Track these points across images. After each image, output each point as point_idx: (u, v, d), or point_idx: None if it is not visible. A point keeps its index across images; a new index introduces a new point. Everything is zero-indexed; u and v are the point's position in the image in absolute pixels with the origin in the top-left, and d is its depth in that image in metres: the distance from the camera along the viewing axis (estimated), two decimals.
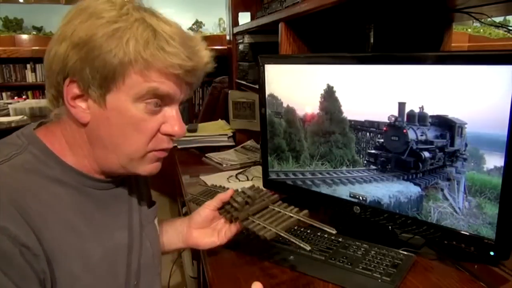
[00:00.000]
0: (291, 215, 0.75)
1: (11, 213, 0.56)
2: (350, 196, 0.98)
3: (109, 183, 0.73)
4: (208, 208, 0.87)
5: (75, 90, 0.62)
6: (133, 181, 0.82)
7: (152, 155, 0.68)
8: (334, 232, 0.70)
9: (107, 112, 0.63)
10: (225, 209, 0.86)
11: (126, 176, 0.79)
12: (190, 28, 5.21)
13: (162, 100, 0.65)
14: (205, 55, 0.67)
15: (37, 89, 4.62)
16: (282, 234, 0.70)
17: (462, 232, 0.80)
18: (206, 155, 1.79)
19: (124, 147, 0.66)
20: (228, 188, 1.00)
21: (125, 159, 0.67)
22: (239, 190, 0.86)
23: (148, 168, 0.69)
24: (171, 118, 0.66)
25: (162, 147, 0.68)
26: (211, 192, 1.04)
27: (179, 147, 1.90)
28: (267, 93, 1.13)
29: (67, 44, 0.61)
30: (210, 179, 1.47)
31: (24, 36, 4.65)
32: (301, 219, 0.72)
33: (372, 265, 0.83)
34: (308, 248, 0.68)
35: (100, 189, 0.72)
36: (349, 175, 0.98)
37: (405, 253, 0.86)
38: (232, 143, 1.96)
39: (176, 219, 0.94)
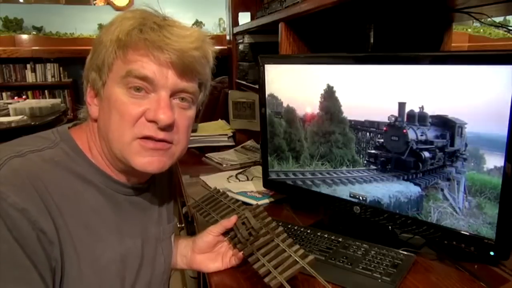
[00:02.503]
0: (297, 259, 0.72)
1: (34, 197, 0.58)
2: (350, 196, 0.98)
3: (132, 189, 0.75)
4: (211, 234, 0.86)
5: (91, 91, 0.71)
6: (158, 194, 0.83)
7: (137, 143, 0.67)
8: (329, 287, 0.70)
9: (103, 102, 0.68)
10: (229, 236, 0.85)
11: (153, 187, 0.80)
12: None
13: (146, 83, 0.65)
14: (191, 39, 0.66)
15: (37, 89, 4.63)
16: (287, 287, 0.69)
17: (462, 232, 0.80)
18: (206, 155, 1.79)
19: (111, 133, 0.67)
20: (227, 192, 1.01)
21: (116, 148, 0.68)
22: (243, 216, 0.85)
23: (140, 161, 0.68)
24: (155, 105, 0.66)
25: (146, 134, 0.67)
26: (214, 200, 1.03)
27: None
28: (267, 93, 1.13)
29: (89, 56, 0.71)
30: (210, 179, 1.46)
31: (24, 36, 4.65)
32: (306, 267, 0.71)
33: (372, 265, 0.83)
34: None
35: (122, 194, 0.73)
36: (349, 175, 0.98)
37: (405, 253, 0.86)
38: (232, 143, 1.96)
39: (180, 240, 0.94)
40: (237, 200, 0.98)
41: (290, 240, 0.78)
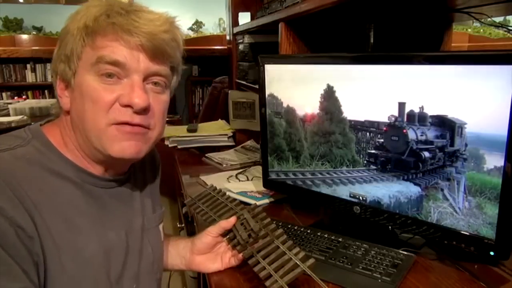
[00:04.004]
0: (298, 262, 0.72)
1: (8, 195, 0.58)
2: (350, 196, 0.98)
3: (111, 181, 0.74)
4: (210, 235, 0.85)
5: (60, 84, 0.69)
6: (139, 184, 0.82)
7: (113, 129, 0.66)
8: None
9: (75, 92, 0.67)
10: (228, 237, 0.85)
11: (133, 178, 0.80)
12: (190, 28, 5.19)
13: (118, 68, 0.64)
14: (158, 23, 0.66)
15: (37, 89, 4.62)
16: None
17: (462, 232, 0.80)
18: (206, 155, 1.79)
19: (86, 122, 0.66)
20: (226, 192, 1.00)
21: (93, 136, 0.66)
22: (242, 217, 0.84)
23: (116, 147, 0.67)
24: (128, 89, 0.65)
25: (121, 120, 0.66)
26: (210, 197, 1.02)
27: (179, 147, 1.90)
28: (267, 93, 1.13)
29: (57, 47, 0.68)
30: (210, 179, 1.46)
31: (24, 36, 4.64)
32: (307, 271, 0.70)
33: (372, 265, 0.83)
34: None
35: (101, 187, 0.72)
36: (349, 175, 0.98)
37: (405, 253, 0.86)
38: (232, 143, 1.96)
39: (179, 241, 0.94)
40: (235, 199, 0.98)
41: (290, 242, 0.77)
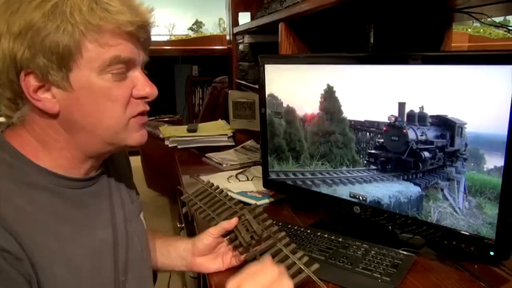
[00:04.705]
0: (302, 267, 0.71)
1: None
2: (350, 196, 0.98)
3: (85, 181, 0.71)
4: (211, 236, 0.84)
5: (33, 82, 0.60)
6: (114, 177, 0.80)
7: (133, 122, 0.68)
8: None
9: (75, 93, 0.62)
10: (229, 238, 0.84)
11: (106, 172, 0.78)
12: (190, 28, 5.20)
13: (126, 65, 0.64)
14: (146, 9, 0.66)
15: None
16: None
17: (462, 232, 0.80)
18: (206, 155, 1.79)
19: (105, 122, 0.65)
20: (222, 188, 0.99)
21: (110, 135, 0.66)
22: (244, 217, 0.84)
23: (136, 137, 0.69)
24: (139, 81, 0.67)
25: (140, 111, 0.68)
26: (208, 194, 1.01)
27: (179, 147, 1.90)
28: (267, 93, 1.13)
29: (7, 39, 0.58)
30: (210, 179, 1.46)
31: None
32: (312, 277, 0.70)
33: (372, 265, 0.83)
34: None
35: (77, 188, 0.69)
36: (349, 175, 0.98)
37: (405, 253, 0.86)
38: (232, 143, 1.96)
39: (179, 242, 0.92)
40: (232, 198, 0.97)
41: (293, 245, 0.77)
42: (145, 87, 0.67)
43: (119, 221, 0.77)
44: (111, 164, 0.82)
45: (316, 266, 0.71)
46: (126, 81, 0.65)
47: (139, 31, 0.64)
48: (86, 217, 0.70)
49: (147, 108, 0.69)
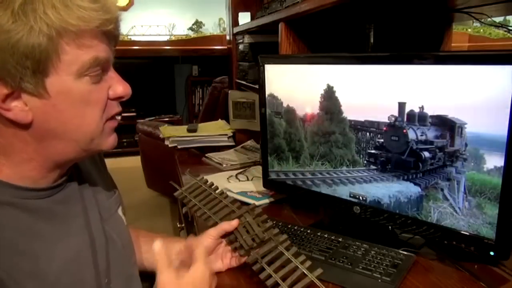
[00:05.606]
0: (305, 272, 0.71)
1: None
2: (350, 196, 0.98)
3: (55, 187, 0.66)
4: (210, 238, 0.83)
5: (2, 90, 0.54)
6: (85, 176, 0.75)
7: (107, 125, 0.64)
8: None
9: (52, 99, 0.56)
10: (229, 239, 0.84)
11: (75, 174, 0.73)
12: (190, 28, 5.19)
13: (102, 66, 0.60)
14: (114, 4, 0.61)
15: None
16: None
17: (462, 232, 0.80)
18: (206, 155, 1.79)
19: (83, 128, 0.61)
20: (216, 186, 0.99)
21: (86, 141, 0.62)
22: (244, 219, 0.83)
23: (110, 141, 0.66)
24: (113, 81, 0.63)
25: (114, 113, 0.65)
26: (202, 190, 0.99)
27: (179, 147, 1.90)
28: (267, 93, 1.13)
29: None
30: (210, 179, 1.46)
31: None
32: (316, 282, 0.69)
33: (372, 265, 0.83)
34: None
35: (43, 198, 0.64)
36: (349, 175, 0.98)
37: (405, 253, 0.86)
38: (232, 143, 1.96)
39: (178, 244, 0.90)
40: (227, 195, 0.96)
41: (295, 249, 0.77)
42: (119, 87, 0.63)
43: (94, 223, 0.72)
44: (80, 164, 0.76)
45: (319, 271, 0.71)
46: (101, 83, 0.61)
47: (114, 30, 0.60)
48: (56, 228, 0.65)
49: (121, 109, 0.66)
